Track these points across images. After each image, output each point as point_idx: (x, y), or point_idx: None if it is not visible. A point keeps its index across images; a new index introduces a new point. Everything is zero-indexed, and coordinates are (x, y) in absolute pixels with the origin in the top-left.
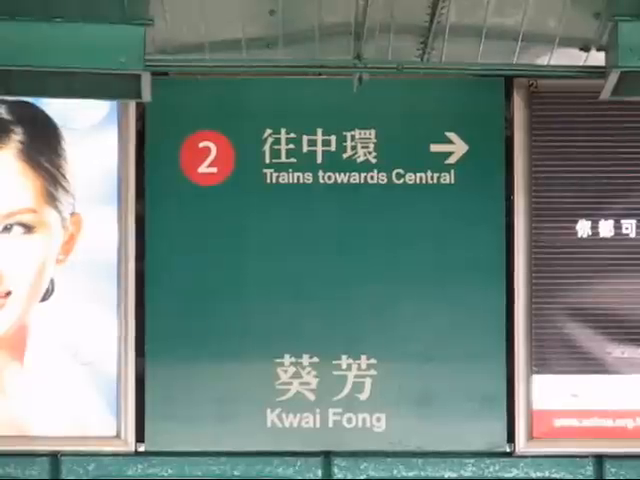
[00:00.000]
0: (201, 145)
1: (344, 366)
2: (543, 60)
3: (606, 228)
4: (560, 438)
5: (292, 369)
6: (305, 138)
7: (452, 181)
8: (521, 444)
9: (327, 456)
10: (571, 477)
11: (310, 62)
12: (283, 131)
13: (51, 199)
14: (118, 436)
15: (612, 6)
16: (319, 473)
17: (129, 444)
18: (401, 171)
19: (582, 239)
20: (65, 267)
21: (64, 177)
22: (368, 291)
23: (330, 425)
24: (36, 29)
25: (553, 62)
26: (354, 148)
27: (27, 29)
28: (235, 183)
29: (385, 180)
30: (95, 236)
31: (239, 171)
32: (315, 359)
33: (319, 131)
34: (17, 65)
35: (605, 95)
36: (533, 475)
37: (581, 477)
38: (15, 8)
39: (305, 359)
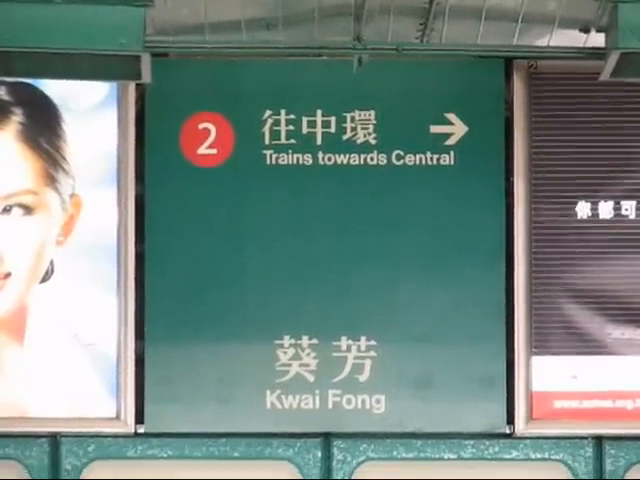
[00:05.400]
0: (201, 126)
1: (344, 347)
2: (543, 41)
3: (606, 209)
4: (560, 419)
5: (292, 350)
6: (305, 119)
7: (452, 162)
8: (521, 425)
9: (327, 437)
10: (571, 458)
11: (310, 43)
12: (283, 112)
13: (51, 180)
14: (118, 417)
15: None
16: (318, 454)
17: (129, 425)
18: (401, 152)
19: (582, 220)
20: (65, 248)
21: (64, 158)
22: (368, 272)
23: (330, 406)
24: (36, 10)
25: (553, 43)
26: (354, 129)
27: (27, 10)
28: (235, 164)
29: (385, 161)
30: (95, 218)
31: (239, 152)
32: (315, 340)
33: (319, 112)
34: (17, 46)
35: (605, 76)
36: (533, 456)
37: (581, 458)
38: None
39: (305, 340)
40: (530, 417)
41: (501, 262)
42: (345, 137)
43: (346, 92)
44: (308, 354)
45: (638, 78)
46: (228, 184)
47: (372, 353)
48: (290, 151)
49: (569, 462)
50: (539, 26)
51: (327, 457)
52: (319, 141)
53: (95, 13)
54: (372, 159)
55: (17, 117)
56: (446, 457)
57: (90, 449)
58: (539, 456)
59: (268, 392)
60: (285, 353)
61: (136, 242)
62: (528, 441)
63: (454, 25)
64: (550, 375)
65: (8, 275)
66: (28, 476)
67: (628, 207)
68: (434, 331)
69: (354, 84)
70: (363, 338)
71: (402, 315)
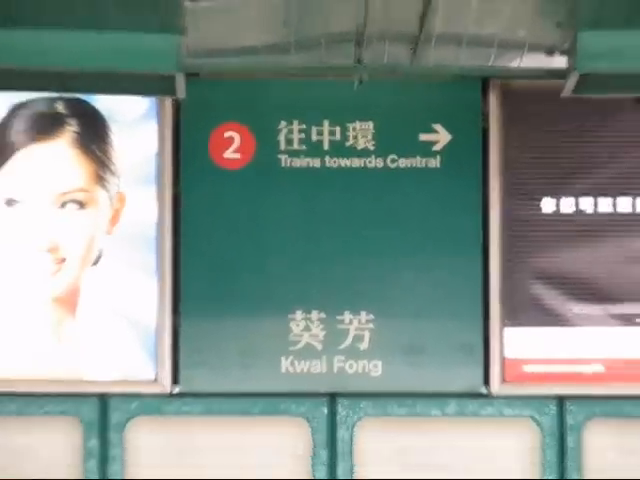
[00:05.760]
0: (226, 135)
1: (347, 321)
2: (515, 63)
3: (567, 205)
4: (528, 382)
5: (303, 323)
6: (314, 129)
7: (438, 165)
8: (495, 387)
9: (332, 397)
10: (537, 414)
11: (318, 65)
12: (295, 123)
13: (100, 180)
14: (156, 380)
15: (572, 17)
16: (325, 411)
17: (166, 386)
18: (395, 157)
19: (546, 214)
20: (111, 238)
21: (111, 161)
22: (368, 258)
23: (335, 371)
24: (87, 37)
25: (523, 65)
26: (355, 137)
27: (79, 37)
28: (255, 167)
29: (381, 164)
30: (137, 212)
31: (258, 157)
32: (322, 315)
33: (326, 123)
34: (71, 67)
35: (567, 93)
36: (505, 413)
37: (546, 414)
38: (70, 20)
39: (314, 315)
40: (503, 380)
41: (478, 250)
42: (348, 144)
43: (349, 106)
44: (317, 326)
45: (595, 95)
46: (249, 184)
47: (371, 326)
48: (302, 155)
49: (536, 417)
50: (512, 50)
51: (333, 413)
52: (326, 147)
53: (138, 39)
54: (370, 162)
55: (72, 127)
56: (433, 413)
57: (133, 406)
58: (511, 412)
59: (283, 358)
60: (297, 325)
61: (172, 233)
62: (502, 400)
63: (439, 49)
64: (520, 344)
65: (63, 260)
66: (82, 429)
67: (586, 204)
68: (423, 307)
69: (355, 99)
70: (363, 313)
71: (396, 294)
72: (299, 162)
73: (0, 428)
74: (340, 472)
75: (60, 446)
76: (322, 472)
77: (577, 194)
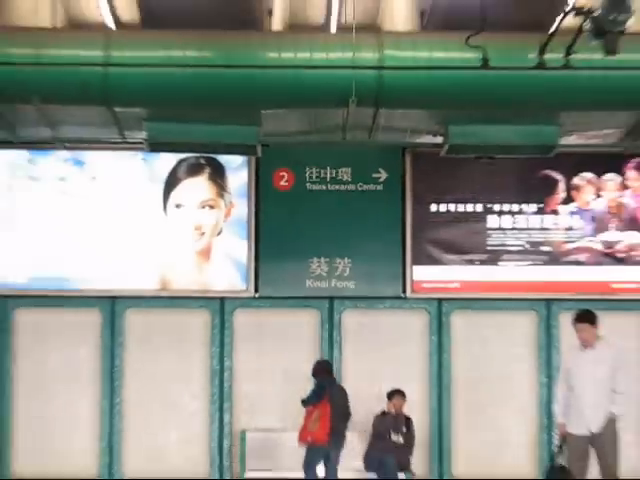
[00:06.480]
0: (280, 173)
1: (337, 262)
2: (418, 140)
3: (443, 208)
4: (425, 292)
5: (316, 264)
6: (322, 170)
7: (381, 189)
8: (408, 293)
9: (331, 299)
10: (429, 307)
11: (325, 140)
12: (314, 167)
13: (221, 195)
14: (247, 290)
15: (445, 119)
16: (327, 305)
17: (252, 293)
18: (361, 184)
19: (432, 212)
20: (226, 223)
21: (226, 186)
22: (349, 233)
23: (332, 286)
24: (218, 128)
25: (421, 141)
26: (342, 174)
27: (221, 128)
28: (295, 189)
29: (354, 188)
30: (238, 211)
31: (296, 184)
32: (327, 259)
33: (328, 167)
34: (204, 141)
35: (443, 154)
36: (413, 306)
37: (432, 307)
38: (204, 118)
39: (322, 260)
40: (412, 290)
41: (399, 229)
42: (338, 177)
43: (339, 160)
44: (323, 265)
45: (456, 155)
46: (292, 198)
47: (350, 265)
48: (317, 184)
49: (428, 309)
50: (416, 134)
51: (331, 307)
52: (328, 179)
53: (237, 128)
54: (349, 187)
55: (206, 170)
56: (379, 307)
57: (235, 304)
58: (416, 306)
59: (307, 280)
60: (314, 264)
61: (255, 221)
62: (412, 300)
63: (382, 133)
64: (421, 273)
65: (203, 234)
66: (210, 315)
67: (453, 207)
68: (374, 257)
69: (341, 156)
70: (346, 259)
71: (362, 250)
72: (315, 187)
73: (169, 316)
74: (334, 335)
75: (199, 324)
76: (325, 336)
77: (448, 202)
